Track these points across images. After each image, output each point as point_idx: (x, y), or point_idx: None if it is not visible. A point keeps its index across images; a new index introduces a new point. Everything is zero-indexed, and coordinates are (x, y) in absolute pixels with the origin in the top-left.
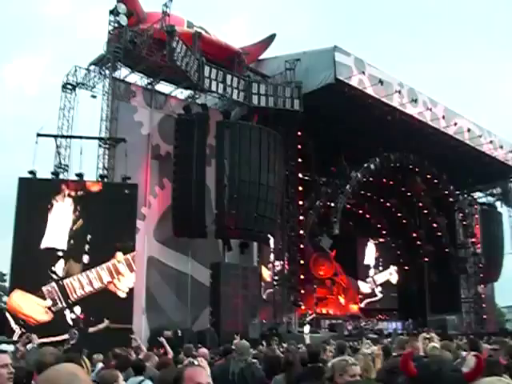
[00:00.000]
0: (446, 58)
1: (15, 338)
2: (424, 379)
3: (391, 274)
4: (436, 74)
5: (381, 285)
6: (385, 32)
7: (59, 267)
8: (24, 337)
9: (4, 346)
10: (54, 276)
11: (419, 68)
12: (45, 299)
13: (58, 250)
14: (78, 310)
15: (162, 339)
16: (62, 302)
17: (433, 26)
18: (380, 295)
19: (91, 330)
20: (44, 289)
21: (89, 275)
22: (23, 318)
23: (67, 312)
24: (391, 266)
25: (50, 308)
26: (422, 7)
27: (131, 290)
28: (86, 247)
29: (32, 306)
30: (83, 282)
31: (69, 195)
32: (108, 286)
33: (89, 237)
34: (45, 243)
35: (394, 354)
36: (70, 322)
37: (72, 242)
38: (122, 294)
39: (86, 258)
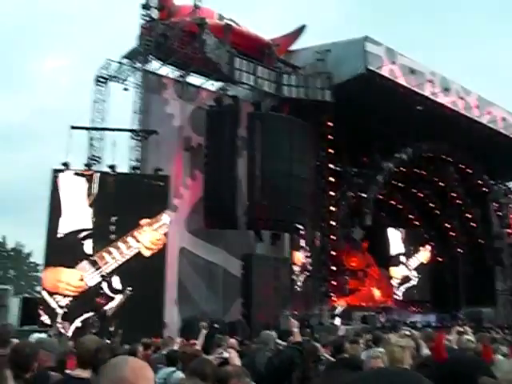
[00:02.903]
0: (480, 45)
1: (59, 319)
2: (450, 361)
3: (423, 252)
4: (470, 62)
5: (415, 269)
6: (416, 19)
7: (88, 247)
8: (57, 325)
9: (36, 335)
10: (85, 255)
11: (452, 56)
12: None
13: (85, 230)
14: (116, 280)
15: (202, 331)
16: (96, 276)
17: (466, 13)
18: (416, 279)
19: (107, 307)
20: (77, 267)
21: (118, 245)
22: (62, 288)
23: (104, 285)
24: (420, 248)
25: (82, 279)
26: None
27: (160, 251)
28: (112, 228)
29: (69, 274)
30: (114, 252)
31: (77, 173)
32: (136, 250)
33: (113, 219)
34: (68, 227)
35: (424, 350)
36: (110, 294)
37: (95, 220)
38: (146, 252)
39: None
